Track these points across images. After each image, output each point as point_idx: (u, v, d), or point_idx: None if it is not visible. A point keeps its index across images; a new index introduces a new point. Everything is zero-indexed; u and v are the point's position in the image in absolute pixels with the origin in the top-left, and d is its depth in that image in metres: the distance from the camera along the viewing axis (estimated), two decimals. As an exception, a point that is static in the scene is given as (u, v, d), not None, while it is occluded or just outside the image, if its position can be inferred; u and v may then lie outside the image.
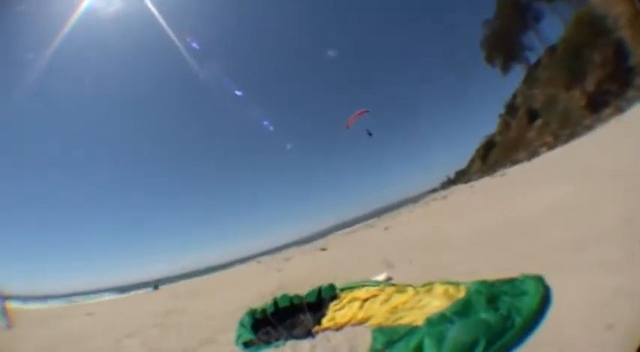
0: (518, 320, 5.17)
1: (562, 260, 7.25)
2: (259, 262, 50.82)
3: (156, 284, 63.85)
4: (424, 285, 8.60)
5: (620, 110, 35.85)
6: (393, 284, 9.81)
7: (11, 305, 23.00)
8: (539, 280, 6.30)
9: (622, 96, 37.40)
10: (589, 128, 37.74)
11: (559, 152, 36.95)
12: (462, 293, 7.05)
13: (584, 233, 8.22)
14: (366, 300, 8.96)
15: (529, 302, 5.56)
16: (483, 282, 7.27)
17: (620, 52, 39.19)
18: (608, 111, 38.05)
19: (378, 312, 7.89)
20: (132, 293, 64.76)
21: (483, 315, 5.55)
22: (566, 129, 43.70)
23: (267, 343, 8.36)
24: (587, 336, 4.45)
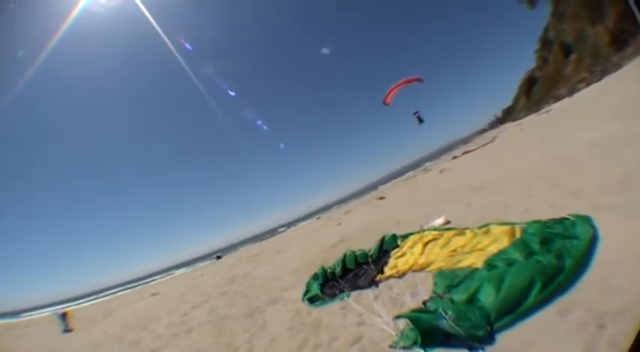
0: (569, 262, 5.57)
1: (608, 199, 7.45)
2: (319, 218, 52.41)
3: (218, 254, 67.78)
4: (481, 227, 9.14)
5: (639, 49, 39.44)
6: (452, 228, 10.32)
7: (70, 308, 24.34)
8: (588, 221, 6.67)
9: (637, 35, 41.38)
10: (617, 65, 41.42)
11: (597, 88, 37.93)
12: (517, 234, 7.55)
13: (629, 171, 8.41)
14: (426, 245, 9.53)
15: (578, 244, 5.93)
16: (537, 222, 7.71)
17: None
18: (630, 49, 42.19)
19: (439, 256, 8.46)
20: (195, 266, 69.29)
21: (538, 257, 5.99)
22: (599, 65, 48.33)
23: (333, 296, 9.17)
24: (634, 281, 4.68)
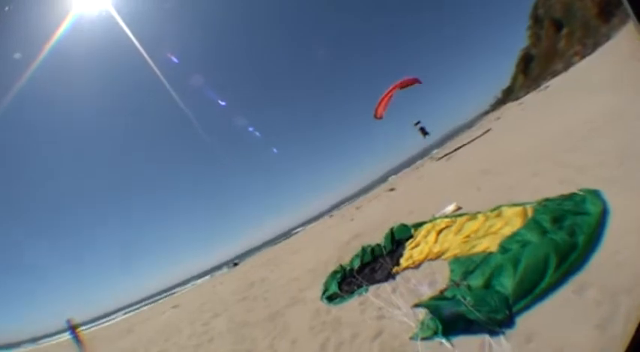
0: (582, 238, 5.53)
1: (613, 172, 7.39)
2: (332, 216, 52.41)
3: (235, 262, 68.01)
4: (492, 210, 9.12)
5: (624, 20, 36.69)
6: (464, 214, 10.30)
7: (82, 331, 24.29)
8: (597, 195, 6.61)
9: (619, 7, 40.04)
10: (607, 36, 42.34)
11: (590, 60, 40.12)
12: (529, 214, 7.51)
13: (624, 144, 8.34)
14: (439, 233, 9.52)
15: (589, 219, 5.90)
16: (548, 200, 7.68)
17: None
18: (615, 20, 42.44)
19: (453, 243, 8.44)
20: (213, 275, 69.66)
21: (551, 235, 5.97)
22: (590, 37, 49.89)
23: (351, 293, 9.20)
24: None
